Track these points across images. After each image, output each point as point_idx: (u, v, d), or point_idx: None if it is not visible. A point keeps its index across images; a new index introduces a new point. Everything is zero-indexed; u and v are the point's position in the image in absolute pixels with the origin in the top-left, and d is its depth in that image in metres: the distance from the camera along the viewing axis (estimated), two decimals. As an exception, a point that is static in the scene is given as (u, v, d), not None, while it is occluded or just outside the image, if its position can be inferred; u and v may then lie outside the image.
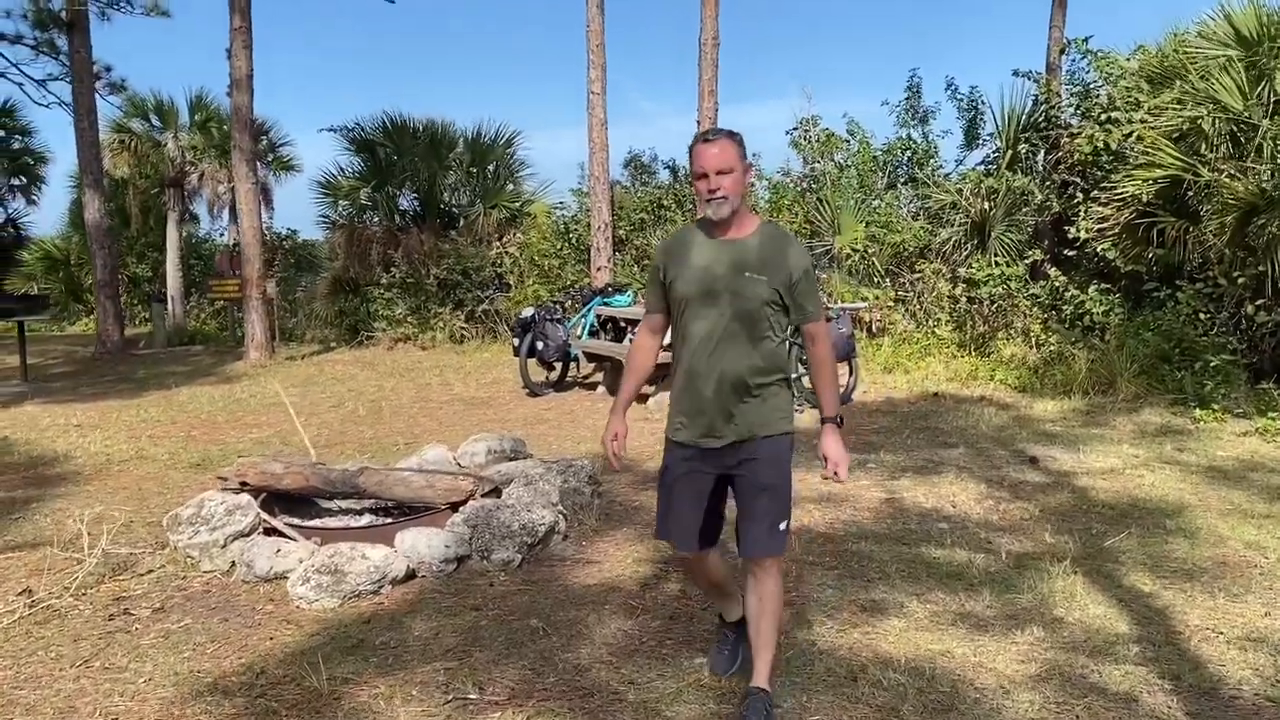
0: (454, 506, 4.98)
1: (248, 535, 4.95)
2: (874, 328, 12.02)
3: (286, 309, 18.55)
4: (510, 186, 16.19)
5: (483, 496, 5.15)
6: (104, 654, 3.88)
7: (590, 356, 9.99)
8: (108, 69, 22.12)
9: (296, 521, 5.19)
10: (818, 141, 13.92)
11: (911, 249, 12.43)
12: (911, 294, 12.07)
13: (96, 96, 14.37)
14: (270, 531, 4.98)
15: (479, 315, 14.50)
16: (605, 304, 10.57)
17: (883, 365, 10.78)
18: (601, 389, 9.93)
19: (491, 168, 16.22)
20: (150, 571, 4.86)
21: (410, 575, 4.58)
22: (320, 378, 11.80)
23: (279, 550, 4.63)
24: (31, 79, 17.95)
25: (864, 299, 11.70)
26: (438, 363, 12.79)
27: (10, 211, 25.70)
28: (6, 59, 21.80)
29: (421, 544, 4.62)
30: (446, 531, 4.70)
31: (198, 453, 7.71)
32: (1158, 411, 8.28)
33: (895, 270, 12.46)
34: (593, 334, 10.63)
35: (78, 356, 15.09)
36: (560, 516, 5.08)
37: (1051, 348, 10.11)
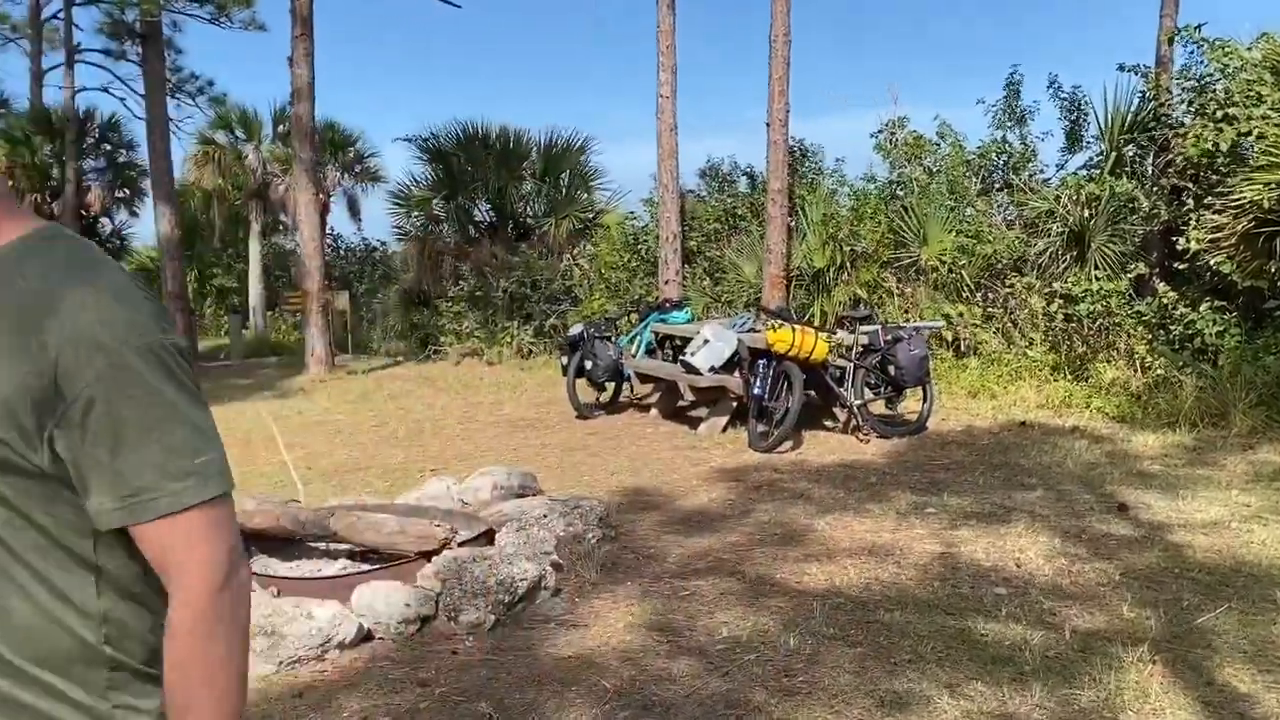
0: (426, 556, 4.41)
1: (201, 582, 4.45)
2: (961, 347, 11.08)
3: (365, 321, 18.49)
4: (583, 195, 15.70)
5: (468, 544, 4.57)
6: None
7: (643, 377, 9.35)
8: (194, 77, 22.60)
9: (260, 569, 4.69)
10: (905, 145, 13.01)
11: (1004, 261, 11.44)
12: (1002, 310, 11.07)
13: (178, 107, 14.48)
14: (228, 578, 4.48)
15: (547, 330, 14.02)
16: (662, 320, 9.92)
17: (967, 389, 9.85)
18: (654, 412, 9.28)
19: (564, 176, 15.76)
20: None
21: (366, 637, 4.02)
22: (375, 394, 11.45)
23: (224, 603, 4.11)
24: (136, 93, 18.30)
25: (945, 315, 10.77)
26: (498, 379, 12.33)
27: (116, 223, 26.51)
28: (113, 74, 22.35)
29: (379, 601, 4.04)
30: (409, 587, 4.12)
31: (217, 476, 7.33)
32: (1277, 450, 7.21)
33: (985, 284, 11.48)
34: (649, 352, 9.99)
35: (151, 368, 15.15)
36: (549, 569, 4.45)
37: (1157, 372, 9.04)
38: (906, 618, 4.16)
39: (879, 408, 8.22)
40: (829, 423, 8.47)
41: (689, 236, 13.42)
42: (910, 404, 8.47)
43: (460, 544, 4.49)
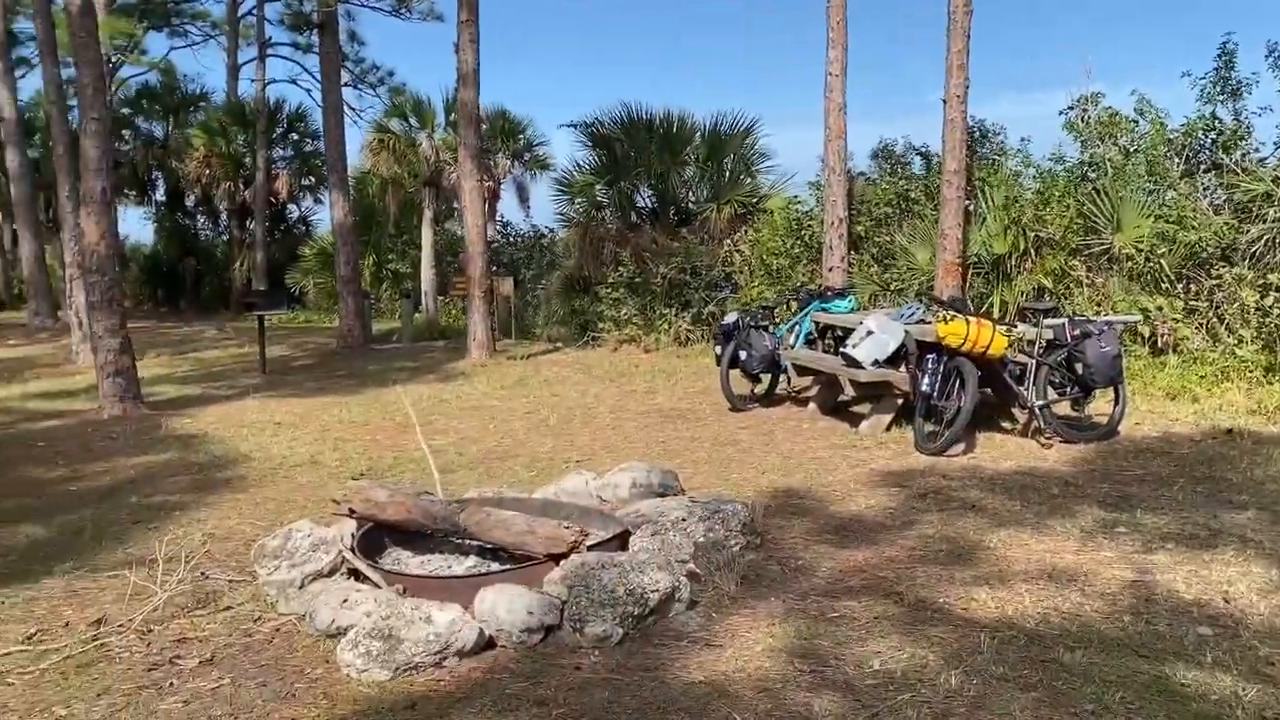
0: (555, 559, 4.14)
1: (328, 575, 4.34)
2: (1158, 343, 10.05)
3: (530, 307, 18.61)
4: (746, 180, 15.23)
5: (599, 547, 4.27)
6: (115, 718, 3.33)
7: (801, 369, 8.86)
8: (375, 68, 23.26)
9: (390, 565, 4.54)
10: (1098, 122, 11.94)
11: (1210, 249, 10.30)
12: (1207, 304, 9.98)
13: (359, 97, 14.86)
14: (355, 573, 4.34)
15: (705, 317, 13.66)
16: (824, 309, 9.39)
17: (1165, 390, 8.89)
18: (813, 406, 8.78)
19: (728, 160, 15.33)
20: (229, 608, 4.36)
21: (488, 644, 3.78)
22: (532, 379, 11.38)
23: (345, 601, 3.96)
24: (320, 84, 18.93)
25: (1142, 309, 9.79)
26: (654, 367, 12.07)
27: (302, 209, 27.77)
28: (301, 65, 23.31)
29: (502, 607, 3.79)
30: (533, 593, 3.85)
31: (367, 461, 7.35)
32: None
33: (1188, 274, 10.38)
34: (809, 343, 9.49)
35: (325, 350, 15.67)
36: (683, 580, 4.09)
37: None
38: (1090, 658, 3.60)
39: (1063, 409, 7.48)
40: (1006, 424, 7.78)
41: (856, 221, 12.76)
42: (1099, 406, 7.66)
43: (590, 547, 4.20)
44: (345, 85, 27.07)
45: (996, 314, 10.86)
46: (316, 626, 3.93)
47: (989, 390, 7.61)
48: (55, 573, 4.88)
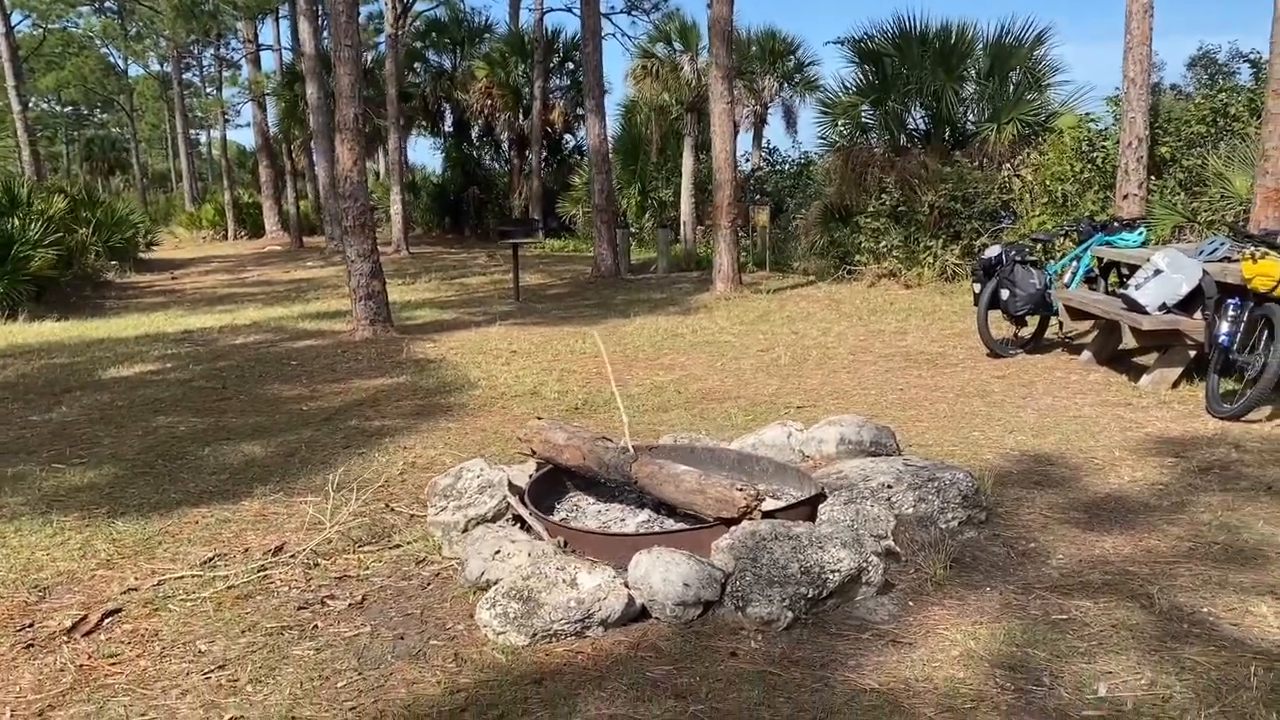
0: (726, 523, 3.64)
1: (492, 520, 4.07)
2: None
3: (791, 238, 17.89)
4: (1033, 97, 13.63)
5: (782, 513, 3.73)
6: (245, 660, 3.22)
7: (1074, 312, 7.70)
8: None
9: (568, 511, 4.23)
10: None
11: None
12: None
13: (632, 24, 14.58)
14: (520, 521, 4.05)
15: (977, 250, 12.43)
16: (1108, 243, 8.13)
17: None
18: (1087, 355, 7.65)
19: (1013, 74, 13.78)
20: (399, 546, 4.20)
21: (640, 614, 3.36)
22: (775, 315, 10.81)
23: (498, 552, 3.67)
24: (600, 12, 18.88)
25: None
26: (911, 304, 11.12)
27: (578, 139, 28.21)
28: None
29: (656, 575, 3.36)
30: (693, 562, 3.38)
31: (585, 394, 7.13)
32: None
33: None
34: (1089, 281, 8.28)
35: (580, 279, 15.78)
36: (874, 559, 3.47)
37: None
38: None
39: None
40: (1331, 386, 6.39)
41: (1160, 142, 11.07)
42: None
43: (770, 513, 3.66)
44: (620, 12, 27.22)
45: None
46: (467, 577, 3.67)
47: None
48: (255, 495, 4.96)
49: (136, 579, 3.90)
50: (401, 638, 3.36)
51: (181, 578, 3.91)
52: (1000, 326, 8.17)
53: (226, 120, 36.64)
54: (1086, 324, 8.11)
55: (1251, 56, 11.98)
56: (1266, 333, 5.72)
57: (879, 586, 3.48)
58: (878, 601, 3.44)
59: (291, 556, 4.09)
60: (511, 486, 4.21)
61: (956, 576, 3.65)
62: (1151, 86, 10.70)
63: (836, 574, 3.35)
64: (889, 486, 4.05)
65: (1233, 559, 3.74)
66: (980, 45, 13.94)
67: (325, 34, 23.04)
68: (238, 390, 7.65)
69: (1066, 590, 3.53)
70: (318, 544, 4.19)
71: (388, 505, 4.69)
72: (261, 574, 3.92)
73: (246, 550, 4.21)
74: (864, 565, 3.43)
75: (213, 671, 3.15)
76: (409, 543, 4.23)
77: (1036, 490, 4.65)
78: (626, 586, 3.36)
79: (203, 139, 54.55)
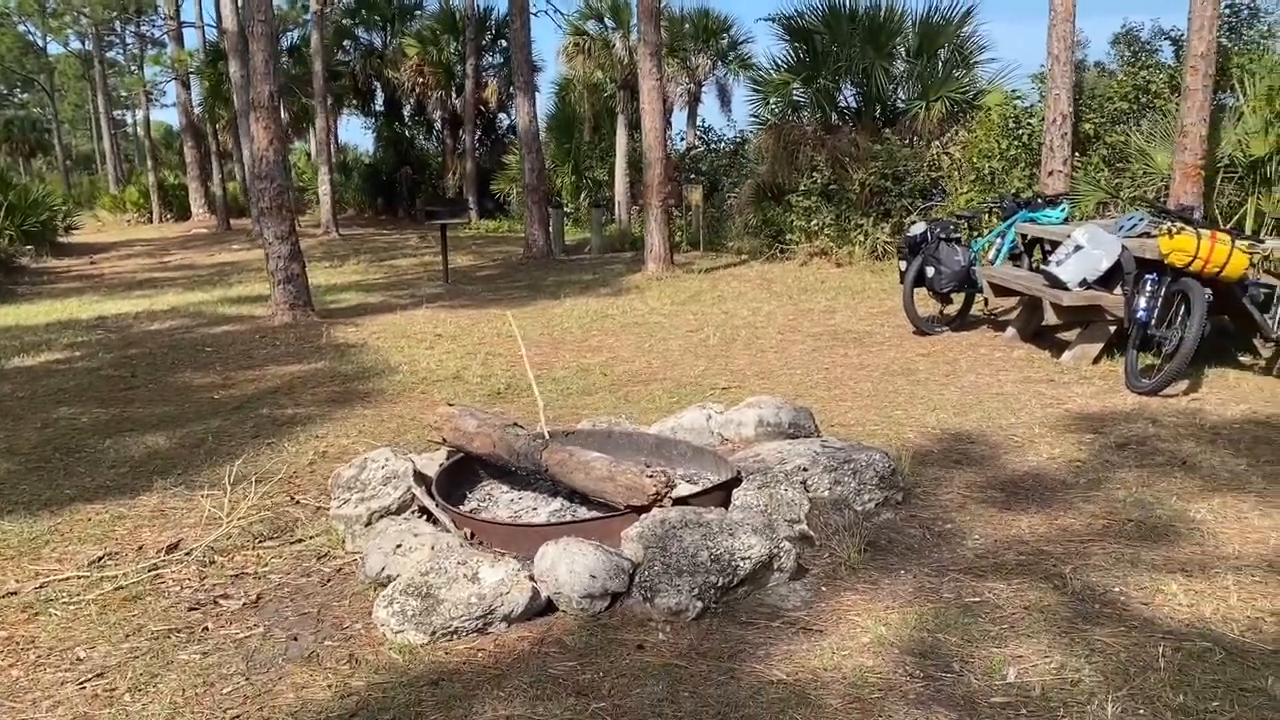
0: (637, 511, 3.54)
1: (396, 513, 3.93)
2: None
3: (726, 217, 17.81)
4: (961, 74, 13.68)
5: (697, 499, 3.63)
6: (126, 667, 3.04)
7: (998, 289, 7.72)
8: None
9: (480, 501, 4.09)
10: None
11: None
12: None
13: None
14: (426, 512, 3.91)
15: (906, 227, 12.45)
16: (1031, 219, 8.17)
17: None
18: (1011, 331, 7.68)
19: (941, 52, 13.81)
20: (300, 541, 4.04)
21: (546, 608, 3.25)
22: (706, 295, 10.73)
23: (399, 546, 3.53)
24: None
25: None
26: (842, 284, 11.12)
27: (512, 118, 27.82)
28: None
29: (562, 566, 3.24)
30: (599, 553, 3.27)
31: (509, 378, 6.97)
32: None
33: None
34: (1014, 258, 8.32)
35: (511, 259, 15.56)
36: (784, 546, 3.40)
37: None
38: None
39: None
40: (1246, 359, 6.48)
41: (1085, 118, 11.15)
42: (1372, 340, 6.23)
43: (681, 499, 3.56)
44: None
45: (1250, 226, 9.22)
46: (367, 573, 3.53)
47: (1225, 317, 6.34)
48: (155, 489, 4.74)
49: (17, 581, 3.70)
50: (295, 639, 3.21)
51: (67, 579, 3.71)
52: (926, 304, 8.18)
53: (150, 100, 35.61)
54: (1011, 300, 8.15)
55: (1173, 34, 12.09)
56: (1183, 307, 5.77)
57: (791, 572, 3.40)
58: (790, 588, 3.37)
59: (187, 554, 3.91)
60: (419, 476, 4.07)
61: (871, 560, 3.59)
62: (1076, 64, 10.75)
63: (747, 561, 3.27)
64: (805, 469, 3.98)
65: (1145, 536, 3.73)
66: (909, 23, 13.94)
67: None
68: (147, 379, 7.36)
69: (980, 572, 3.49)
70: (216, 540, 4.01)
71: (293, 498, 4.52)
72: (153, 573, 3.73)
73: (140, 548, 4.02)
74: (775, 551, 3.35)
75: (89, 680, 2.98)
76: (311, 537, 4.06)
77: (956, 469, 4.62)
78: (532, 579, 3.24)
79: (129, 119, 53.00)
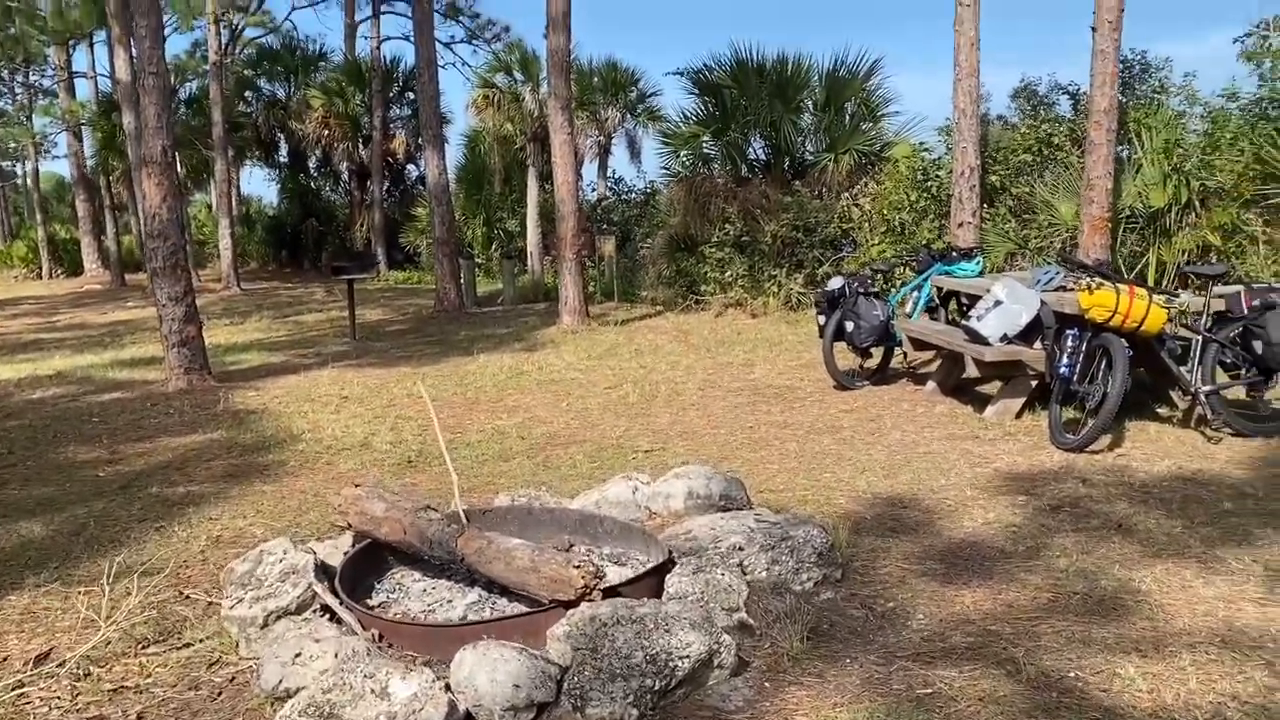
0: (565, 605, 3.26)
1: (296, 613, 3.57)
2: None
3: (639, 268, 17.72)
4: (868, 127, 13.87)
5: (629, 585, 3.38)
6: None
7: (917, 343, 7.69)
8: (491, 23, 22.66)
9: (389, 593, 3.76)
10: (1282, 51, 10.25)
11: None
12: None
13: (474, 53, 14.15)
14: (330, 611, 3.57)
15: (819, 278, 12.49)
16: (947, 272, 8.19)
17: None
18: (932, 385, 7.64)
19: (848, 105, 14.00)
20: (189, 645, 3.64)
21: (465, 721, 2.94)
22: (623, 349, 10.52)
23: (299, 655, 3.18)
24: (441, 42, 18.33)
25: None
26: (758, 335, 11.04)
27: (421, 169, 27.46)
28: (409, 18, 22.78)
29: (482, 675, 2.94)
30: (524, 657, 2.98)
31: (420, 444, 6.63)
32: None
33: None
34: (930, 311, 8.32)
35: (422, 313, 15.16)
36: (725, 641, 3.16)
37: None
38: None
39: (1237, 395, 6.19)
40: (1164, 411, 6.51)
41: (991, 170, 11.37)
42: (1283, 391, 6.31)
43: (611, 590, 3.30)
44: (460, 41, 26.76)
45: (1153, 277, 9.43)
46: (263, 686, 3.17)
47: (1142, 370, 6.37)
48: (25, 586, 4.29)
49: None
50: (180, 769, 2.84)
51: (-87, 705, 3.26)
52: (846, 357, 8.10)
53: (40, 151, 34.18)
54: (930, 353, 8.13)
55: (1070, 89, 12.47)
56: (1104, 362, 5.75)
57: (732, 669, 3.16)
58: (731, 685, 3.12)
59: (59, 665, 3.49)
60: (322, 569, 3.72)
61: (814, 649, 3.37)
62: (981, 117, 10.96)
63: (686, 660, 3.02)
64: (740, 549, 3.75)
65: (1094, 611, 3.59)
66: (816, 77, 14.11)
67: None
68: (25, 455, 6.82)
69: (929, 658, 3.29)
70: (93, 647, 3.59)
71: (182, 593, 4.12)
72: (18, 692, 3.31)
73: (4, 659, 3.58)
74: (715, 647, 3.10)
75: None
76: (201, 640, 3.67)
77: (892, 538, 4.45)
78: (448, 690, 2.93)
79: (18, 170, 50.84)
